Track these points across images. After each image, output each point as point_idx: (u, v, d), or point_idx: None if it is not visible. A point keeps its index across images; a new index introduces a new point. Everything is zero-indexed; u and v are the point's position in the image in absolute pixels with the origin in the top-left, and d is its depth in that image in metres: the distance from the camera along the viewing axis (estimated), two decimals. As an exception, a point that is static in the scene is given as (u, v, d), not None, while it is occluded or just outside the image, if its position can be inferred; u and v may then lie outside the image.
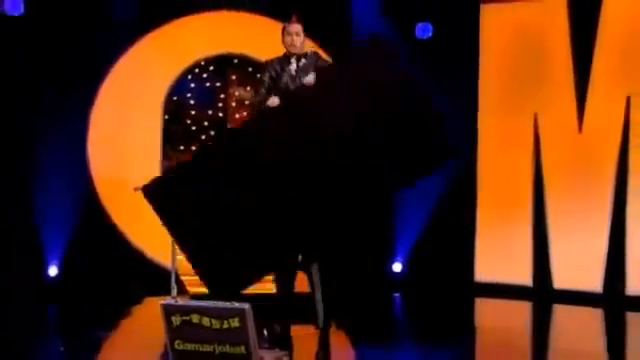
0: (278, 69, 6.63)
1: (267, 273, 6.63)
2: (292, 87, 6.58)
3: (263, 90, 6.62)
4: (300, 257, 6.67)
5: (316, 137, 6.25)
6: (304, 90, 6.46)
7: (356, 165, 6.26)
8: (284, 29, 6.68)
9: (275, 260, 6.43)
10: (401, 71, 6.40)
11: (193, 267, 6.40)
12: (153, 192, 6.37)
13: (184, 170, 6.69)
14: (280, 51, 6.78)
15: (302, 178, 6.25)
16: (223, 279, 6.36)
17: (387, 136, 6.26)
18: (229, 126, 10.74)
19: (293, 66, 6.62)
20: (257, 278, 6.53)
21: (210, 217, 6.28)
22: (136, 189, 6.51)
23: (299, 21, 6.64)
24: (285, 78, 6.60)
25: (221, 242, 6.28)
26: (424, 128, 6.32)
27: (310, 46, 6.90)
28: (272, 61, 6.71)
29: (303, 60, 6.64)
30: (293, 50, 6.63)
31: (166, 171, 6.65)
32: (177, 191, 6.37)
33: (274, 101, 6.47)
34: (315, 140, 6.26)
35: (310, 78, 6.44)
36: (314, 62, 6.64)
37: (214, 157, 6.49)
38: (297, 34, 6.62)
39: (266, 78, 6.67)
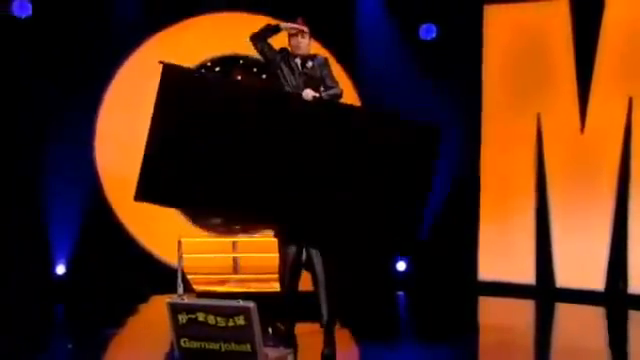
0: (285, 64, 6.67)
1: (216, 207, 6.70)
2: (294, 83, 6.63)
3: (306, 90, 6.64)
4: (304, 256, 6.73)
5: (328, 146, 6.43)
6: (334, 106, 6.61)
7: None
8: (290, 31, 6.73)
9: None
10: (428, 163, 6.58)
11: (146, 157, 6.43)
12: (171, 72, 6.47)
13: (208, 80, 6.93)
14: (285, 51, 6.84)
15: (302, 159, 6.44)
16: (165, 183, 6.41)
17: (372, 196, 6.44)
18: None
19: (299, 66, 6.68)
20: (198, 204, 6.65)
21: (201, 131, 6.38)
22: (161, 62, 6.53)
23: (305, 24, 6.70)
24: (290, 79, 6.65)
25: (193, 152, 6.37)
26: (410, 213, 6.50)
27: (316, 49, 6.96)
28: (286, 50, 6.74)
29: (309, 62, 6.70)
30: (298, 52, 6.69)
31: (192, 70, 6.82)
32: (192, 90, 6.47)
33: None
34: (327, 148, 6.43)
35: (309, 94, 6.50)
36: (320, 68, 6.69)
37: (233, 96, 6.57)
38: (303, 36, 6.68)
39: (276, 53, 6.70)
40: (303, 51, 6.70)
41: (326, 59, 6.82)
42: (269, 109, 6.49)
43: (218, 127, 6.42)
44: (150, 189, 6.42)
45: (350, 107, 6.98)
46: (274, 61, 6.68)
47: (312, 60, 6.73)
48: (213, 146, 6.41)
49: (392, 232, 6.54)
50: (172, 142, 6.41)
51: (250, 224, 6.73)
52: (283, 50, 6.74)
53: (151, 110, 10.12)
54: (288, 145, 6.44)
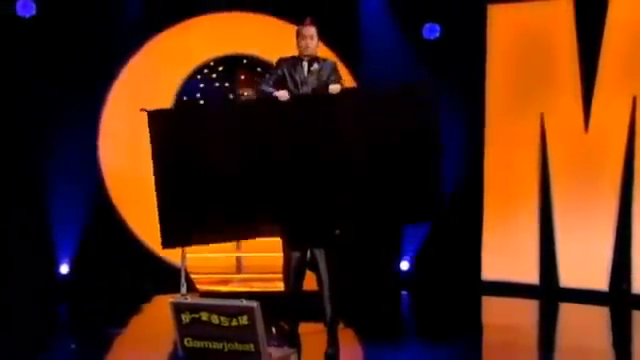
0: (291, 69, 6.70)
1: (232, 238, 6.74)
2: (301, 87, 6.66)
3: (271, 82, 6.70)
4: (308, 256, 6.73)
5: (327, 142, 6.42)
6: (323, 97, 6.58)
7: (353, 186, 6.45)
8: (298, 32, 6.74)
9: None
10: (427, 119, 6.56)
11: (159, 208, 6.51)
12: (158, 117, 6.59)
13: (193, 114, 6.93)
14: (289, 52, 6.85)
15: (301, 167, 6.46)
16: (184, 228, 6.53)
17: (389, 170, 6.44)
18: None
19: (305, 68, 6.70)
20: (218, 239, 6.71)
21: (199, 165, 6.49)
22: (143, 109, 6.63)
23: (313, 24, 6.71)
24: (297, 79, 6.67)
25: (201, 190, 6.47)
26: (427, 176, 6.50)
27: (320, 49, 6.96)
28: (287, 59, 6.78)
29: (315, 64, 6.71)
30: (306, 53, 6.71)
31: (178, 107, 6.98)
32: (180, 128, 6.59)
33: (284, 94, 6.54)
34: (326, 144, 6.42)
35: (336, 87, 6.55)
36: (328, 71, 6.71)
37: (218, 118, 6.70)
38: (311, 37, 6.70)
39: (279, 72, 6.74)
40: (311, 52, 6.73)
41: (335, 63, 6.84)
42: (258, 120, 6.55)
43: (217, 151, 6.52)
44: (173, 236, 6.57)
45: (344, 91, 6.90)
46: (283, 76, 6.72)
47: (320, 62, 6.74)
48: (218, 170, 6.52)
49: (415, 199, 6.55)
50: (178, 184, 6.52)
51: (264, 236, 6.84)
52: (285, 60, 6.76)
53: (152, 110, 10.21)
54: (295, 145, 6.46)
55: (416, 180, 6.54)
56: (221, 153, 6.52)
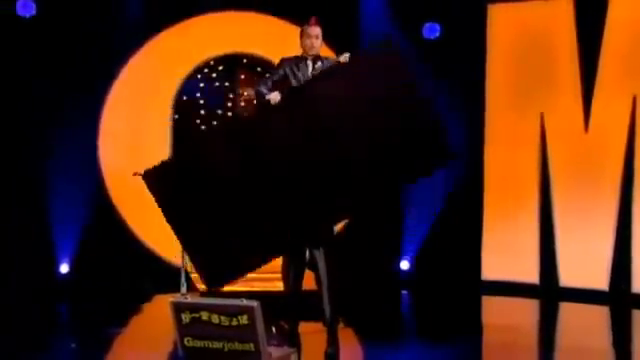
0: (294, 68, 6.70)
1: (262, 262, 6.68)
2: (303, 78, 6.66)
3: (270, 83, 6.69)
4: (307, 255, 6.73)
5: (317, 130, 6.36)
6: (309, 85, 6.54)
7: (357, 161, 6.35)
8: (303, 31, 6.74)
9: (271, 249, 6.51)
10: (407, 75, 6.50)
11: (189, 256, 6.52)
12: (152, 177, 6.49)
13: (183, 156, 6.83)
14: (289, 51, 6.84)
15: (303, 174, 6.37)
16: (219, 268, 6.48)
17: (388, 135, 6.36)
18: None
19: (309, 67, 6.70)
20: (251, 268, 6.64)
21: (209, 203, 6.41)
22: (136, 174, 6.60)
23: (318, 24, 6.72)
24: (300, 77, 6.67)
25: (218, 229, 6.41)
26: (425, 129, 6.42)
27: (326, 53, 6.97)
28: (289, 59, 6.78)
29: (319, 63, 6.72)
30: (311, 52, 6.72)
31: (167, 159, 6.83)
32: (176, 176, 6.49)
33: (276, 97, 6.53)
34: (316, 134, 6.36)
35: (346, 56, 6.50)
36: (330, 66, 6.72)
37: (214, 145, 6.58)
38: (317, 37, 6.71)
39: (280, 71, 6.74)
40: (316, 52, 6.75)
41: (338, 62, 6.83)
42: (252, 143, 6.45)
43: (221, 186, 6.43)
44: (213, 277, 6.51)
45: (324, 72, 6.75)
46: (285, 75, 6.71)
47: (323, 61, 6.75)
48: (229, 202, 6.41)
49: (422, 150, 6.42)
50: (195, 230, 6.44)
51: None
52: (288, 60, 6.76)
53: (153, 110, 10.22)
54: (291, 149, 6.42)
55: (410, 136, 6.37)
56: (226, 185, 6.41)
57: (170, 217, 6.46)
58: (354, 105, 6.40)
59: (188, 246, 6.52)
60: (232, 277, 6.70)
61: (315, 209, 6.40)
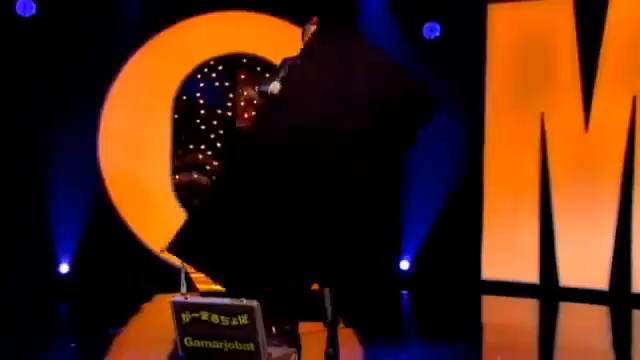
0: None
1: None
2: None
3: (274, 82, 6.66)
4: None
5: (309, 130, 6.26)
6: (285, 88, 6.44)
7: (349, 142, 6.21)
8: (305, 31, 6.74)
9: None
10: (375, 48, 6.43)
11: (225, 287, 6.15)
12: (179, 247, 6.08)
13: (200, 215, 6.41)
14: (289, 52, 6.83)
15: (308, 183, 6.28)
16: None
17: (371, 104, 6.23)
18: (238, 125, 10.78)
19: None
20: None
21: (239, 247, 6.02)
22: (162, 251, 6.22)
23: (319, 24, 6.72)
24: None
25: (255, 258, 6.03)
26: (406, 89, 6.26)
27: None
28: (291, 59, 6.77)
29: None
30: None
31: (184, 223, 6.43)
32: (201, 237, 6.12)
33: (275, 87, 6.50)
34: (309, 134, 6.28)
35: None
36: None
37: (227, 191, 6.20)
38: None
39: (282, 71, 6.73)
40: None
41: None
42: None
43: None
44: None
45: None
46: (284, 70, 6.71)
47: None
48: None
49: (409, 108, 6.18)
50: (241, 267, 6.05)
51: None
52: (288, 60, 6.76)
53: (153, 110, 10.23)
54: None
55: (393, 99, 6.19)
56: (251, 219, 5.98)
57: (213, 276, 6.09)
58: (333, 87, 6.23)
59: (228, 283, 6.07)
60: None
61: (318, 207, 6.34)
